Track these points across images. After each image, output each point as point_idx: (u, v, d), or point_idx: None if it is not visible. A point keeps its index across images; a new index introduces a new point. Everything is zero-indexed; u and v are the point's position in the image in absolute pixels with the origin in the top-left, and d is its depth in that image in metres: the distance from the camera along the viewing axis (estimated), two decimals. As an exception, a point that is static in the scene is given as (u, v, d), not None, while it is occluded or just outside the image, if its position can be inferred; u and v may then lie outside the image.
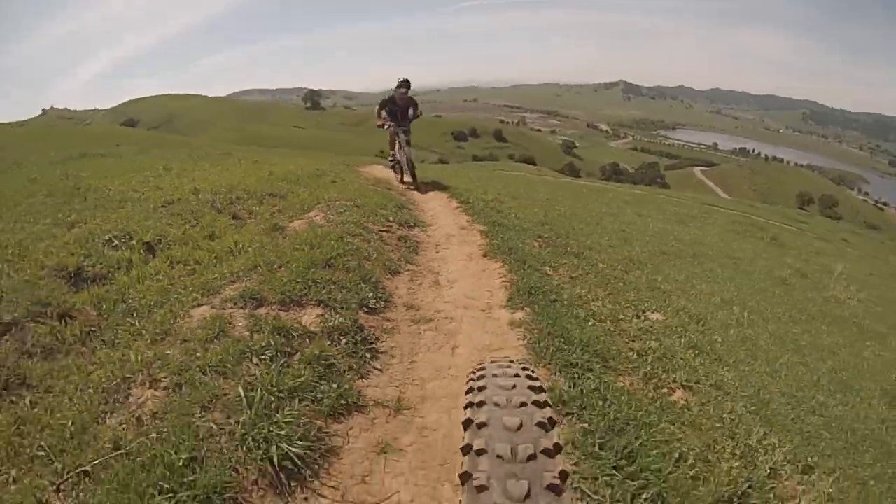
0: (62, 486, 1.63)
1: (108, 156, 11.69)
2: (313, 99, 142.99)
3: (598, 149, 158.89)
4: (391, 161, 9.71)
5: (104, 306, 2.90)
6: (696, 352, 3.42)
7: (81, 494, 1.60)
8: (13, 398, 2.09)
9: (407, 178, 9.26)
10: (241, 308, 2.83)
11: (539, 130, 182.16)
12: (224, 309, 2.80)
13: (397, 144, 9.08)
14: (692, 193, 35.96)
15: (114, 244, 3.85)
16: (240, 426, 1.92)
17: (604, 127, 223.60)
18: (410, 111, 9.13)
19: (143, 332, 2.58)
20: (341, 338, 2.76)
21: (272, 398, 2.10)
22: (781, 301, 6.73)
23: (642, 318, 3.84)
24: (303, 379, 2.28)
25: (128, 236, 3.99)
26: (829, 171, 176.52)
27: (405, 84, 8.90)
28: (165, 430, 1.84)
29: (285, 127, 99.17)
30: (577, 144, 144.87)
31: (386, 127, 9.04)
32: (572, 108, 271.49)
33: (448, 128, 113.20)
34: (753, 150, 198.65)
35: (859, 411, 3.57)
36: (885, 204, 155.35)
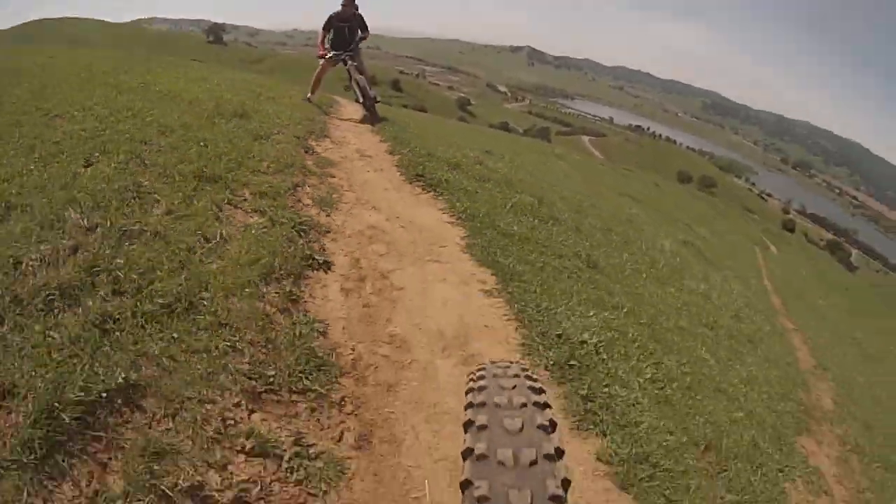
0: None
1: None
2: (216, 32, 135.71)
3: (493, 108, 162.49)
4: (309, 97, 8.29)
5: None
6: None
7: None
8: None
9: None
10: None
11: (437, 85, 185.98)
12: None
13: (350, 74, 7.95)
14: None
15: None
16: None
17: (502, 89, 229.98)
18: (358, 32, 8.00)
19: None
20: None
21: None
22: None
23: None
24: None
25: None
26: (720, 158, 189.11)
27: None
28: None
29: (185, 59, 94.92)
30: (473, 102, 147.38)
31: (327, 58, 7.95)
32: (474, 67, 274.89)
33: (342, 73, 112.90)
34: (648, 129, 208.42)
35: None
36: (768, 195, 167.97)
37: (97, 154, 3.26)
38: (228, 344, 2.07)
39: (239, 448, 1.75)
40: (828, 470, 4.06)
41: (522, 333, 2.90)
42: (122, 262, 2.25)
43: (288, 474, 1.75)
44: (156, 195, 2.94)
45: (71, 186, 2.74)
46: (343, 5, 7.79)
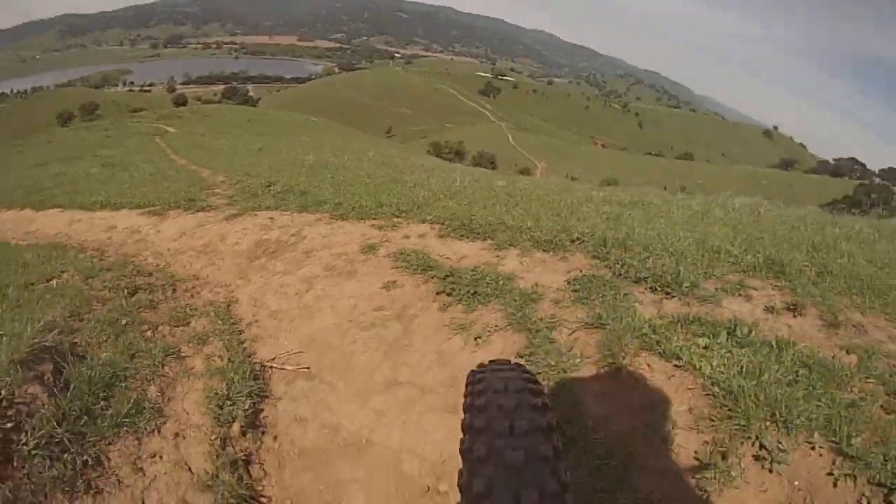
0: None
1: None
2: None
3: None
4: None
5: None
6: None
7: None
8: None
9: None
10: None
11: None
12: None
13: None
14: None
15: None
16: None
17: None
18: None
19: None
20: None
21: None
22: None
23: None
24: None
25: None
26: (92, 77, 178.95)
27: None
28: None
29: None
30: None
31: None
32: None
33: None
34: (13, 92, 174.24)
35: None
36: (150, 85, 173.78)
37: None
38: None
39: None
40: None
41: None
42: None
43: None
44: None
45: None
46: None
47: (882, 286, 3.46)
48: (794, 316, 3.11)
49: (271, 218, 5.69)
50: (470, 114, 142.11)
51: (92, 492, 2.17)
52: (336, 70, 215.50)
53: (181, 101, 76.17)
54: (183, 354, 3.12)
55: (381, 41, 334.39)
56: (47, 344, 2.66)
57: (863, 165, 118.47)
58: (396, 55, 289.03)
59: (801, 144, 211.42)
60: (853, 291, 3.40)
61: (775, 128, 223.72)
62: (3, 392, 2.25)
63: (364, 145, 25.36)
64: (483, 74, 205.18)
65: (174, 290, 4.12)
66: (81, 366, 2.61)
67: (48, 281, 3.86)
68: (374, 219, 5.27)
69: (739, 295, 3.39)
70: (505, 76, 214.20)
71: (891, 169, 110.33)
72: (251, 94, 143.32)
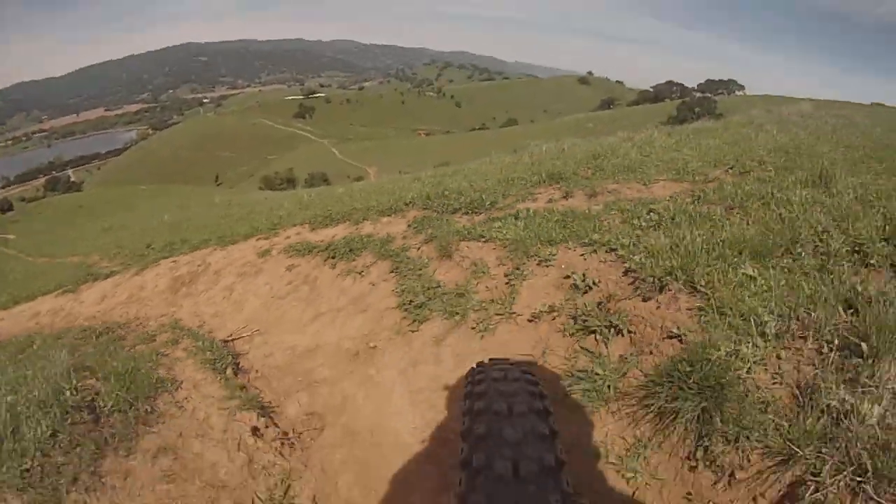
0: None
1: None
2: None
3: None
4: None
5: None
6: None
7: None
8: None
9: None
10: None
11: None
12: None
13: None
14: None
15: None
16: None
17: None
18: None
19: None
20: None
21: None
22: None
23: None
24: None
25: None
26: None
27: None
28: None
29: None
30: None
31: None
32: None
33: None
34: None
35: None
36: None
37: None
38: None
39: None
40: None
41: None
42: None
43: None
44: None
45: None
46: None
47: (640, 166, 5.75)
48: (567, 199, 5.13)
49: (174, 261, 6.85)
50: (291, 139, 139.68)
51: (160, 422, 3.52)
52: (150, 131, 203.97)
53: (6, 207, 70.47)
54: (166, 353, 4.41)
55: (187, 91, 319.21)
56: (75, 364, 3.88)
57: (681, 85, 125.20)
58: (205, 100, 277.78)
59: (618, 82, 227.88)
60: (616, 174, 5.58)
61: (590, 73, 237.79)
62: (73, 382, 3.52)
63: (202, 196, 26.19)
64: (293, 98, 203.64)
65: (128, 329, 5.26)
66: (106, 369, 3.88)
67: (27, 349, 4.87)
68: (256, 235, 6.71)
69: (528, 200, 5.37)
70: (316, 93, 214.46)
71: (708, 81, 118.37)
72: (73, 178, 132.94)
